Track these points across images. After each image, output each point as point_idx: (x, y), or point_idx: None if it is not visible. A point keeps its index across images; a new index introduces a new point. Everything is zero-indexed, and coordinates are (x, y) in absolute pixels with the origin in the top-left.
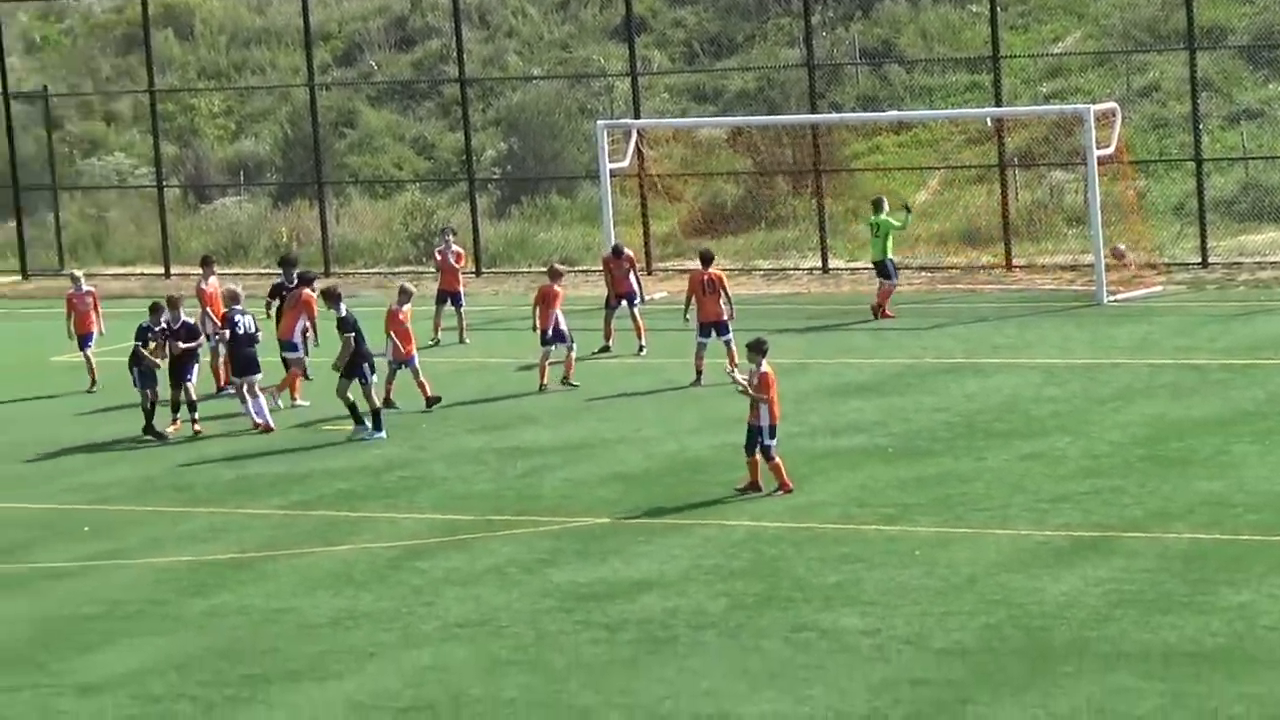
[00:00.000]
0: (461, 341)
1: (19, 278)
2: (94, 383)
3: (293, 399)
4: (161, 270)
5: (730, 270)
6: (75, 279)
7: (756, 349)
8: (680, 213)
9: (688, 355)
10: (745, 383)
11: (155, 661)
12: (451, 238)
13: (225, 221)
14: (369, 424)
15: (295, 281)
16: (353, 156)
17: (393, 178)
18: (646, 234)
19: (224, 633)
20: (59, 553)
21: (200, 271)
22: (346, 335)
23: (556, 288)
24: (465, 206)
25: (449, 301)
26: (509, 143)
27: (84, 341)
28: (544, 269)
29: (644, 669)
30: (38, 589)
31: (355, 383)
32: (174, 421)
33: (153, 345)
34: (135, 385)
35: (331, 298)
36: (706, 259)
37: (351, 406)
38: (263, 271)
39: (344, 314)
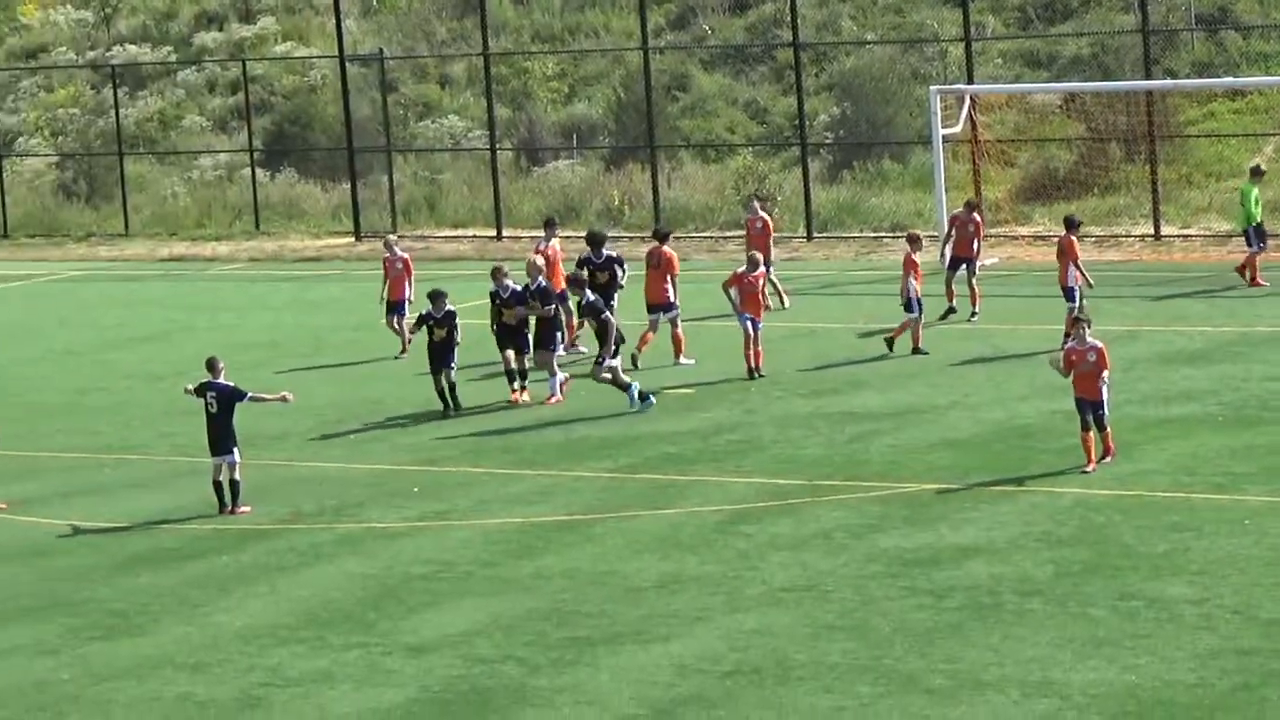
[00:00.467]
0: (781, 306)
1: (353, 239)
2: (404, 350)
3: (677, 358)
4: (493, 233)
5: (1061, 236)
6: (388, 244)
7: (1084, 323)
8: (1012, 179)
9: (1017, 322)
10: (1061, 369)
11: (482, 623)
12: (757, 204)
13: (557, 184)
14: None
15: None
16: (685, 120)
17: (725, 141)
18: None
19: (550, 595)
20: (389, 513)
21: (543, 234)
22: (602, 319)
23: (915, 256)
24: (797, 171)
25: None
26: (842, 107)
27: (394, 308)
28: (882, 234)
29: (969, 635)
30: (369, 549)
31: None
32: (513, 390)
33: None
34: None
35: (579, 284)
36: (1068, 224)
37: (613, 383)
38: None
39: (592, 299)
